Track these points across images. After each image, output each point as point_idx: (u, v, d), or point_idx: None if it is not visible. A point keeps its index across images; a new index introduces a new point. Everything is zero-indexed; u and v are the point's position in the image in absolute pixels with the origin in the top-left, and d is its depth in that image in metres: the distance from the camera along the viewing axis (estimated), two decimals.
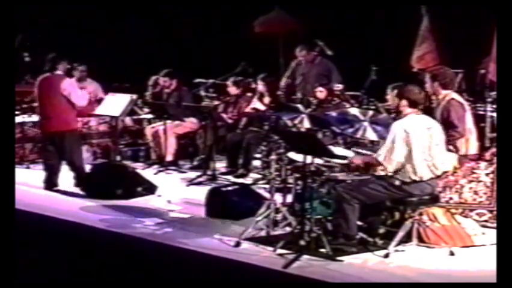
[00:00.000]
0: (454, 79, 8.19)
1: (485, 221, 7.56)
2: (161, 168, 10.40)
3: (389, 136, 6.86)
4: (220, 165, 10.27)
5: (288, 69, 11.61)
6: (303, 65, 11.42)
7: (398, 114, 7.00)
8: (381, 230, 7.04)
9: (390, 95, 7.09)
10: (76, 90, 9.19)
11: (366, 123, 7.63)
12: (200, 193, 8.63)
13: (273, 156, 7.70)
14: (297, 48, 11.48)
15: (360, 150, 7.66)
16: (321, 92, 10.38)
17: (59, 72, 9.14)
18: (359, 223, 6.94)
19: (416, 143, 6.76)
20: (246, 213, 7.79)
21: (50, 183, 9.29)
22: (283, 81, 11.32)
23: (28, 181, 9.52)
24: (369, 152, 7.60)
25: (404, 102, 6.90)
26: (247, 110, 10.40)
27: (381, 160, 6.84)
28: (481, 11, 10.02)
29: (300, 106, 9.15)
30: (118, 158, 10.46)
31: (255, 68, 10.99)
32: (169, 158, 10.65)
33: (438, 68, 8.51)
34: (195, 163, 10.90)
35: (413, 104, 6.90)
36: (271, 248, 6.82)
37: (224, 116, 10.64)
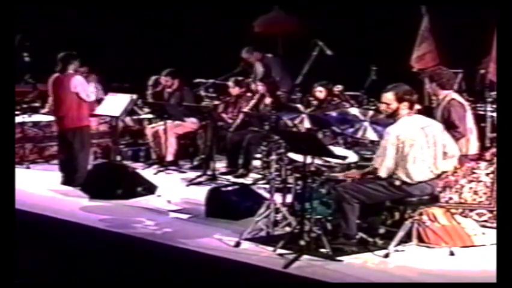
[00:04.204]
0: (451, 79, 8.14)
1: (485, 221, 7.56)
2: (161, 168, 10.39)
3: (382, 142, 6.85)
4: (220, 165, 10.27)
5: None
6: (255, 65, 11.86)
7: (394, 117, 6.90)
8: (381, 230, 7.03)
9: (389, 98, 6.83)
10: (86, 86, 9.39)
11: (366, 123, 7.63)
12: (200, 193, 8.63)
13: (273, 156, 7.69)
14: (243, 51, 11.93)
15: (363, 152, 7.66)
16: (320, 92, 10.38)
17: (70, 71, 9.35)
18: (359, 223, 6.94)
19: (411, 146, 6.71)
20: (246, 213, 7.79)
21: (69, 180, 9.38)
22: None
23: (28, 181, 9.52)
24: (369, 152, 7.62)
25: (405, 105, 6.83)
26: (246, 110, 10.40)
27: (376, 166, 6.81)
28: (481, 11, 10.02)
29: (300, 106, 9.16)
30: (118, 158, 10.46)
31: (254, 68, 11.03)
32: (169, 158, 10.65)
33: (435, 68, 8.50)
34: (195, 163, 10.90)
35: (411, 106, 6.86)
36: (271, 248, 6.82)
37: (224, 116, 10.63)
